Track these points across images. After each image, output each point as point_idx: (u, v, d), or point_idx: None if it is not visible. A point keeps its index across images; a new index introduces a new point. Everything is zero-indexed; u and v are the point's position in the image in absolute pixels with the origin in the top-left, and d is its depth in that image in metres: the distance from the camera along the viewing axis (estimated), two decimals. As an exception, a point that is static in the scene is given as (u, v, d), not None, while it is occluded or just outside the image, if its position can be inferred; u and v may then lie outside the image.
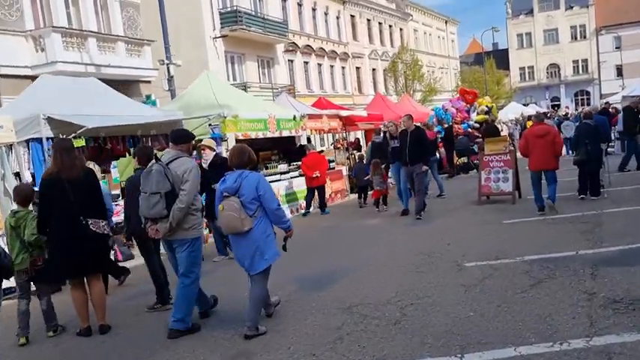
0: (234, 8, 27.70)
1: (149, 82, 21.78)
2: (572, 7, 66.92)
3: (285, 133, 13.50)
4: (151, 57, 21.43)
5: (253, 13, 29.38)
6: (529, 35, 69.78)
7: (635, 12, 62.02)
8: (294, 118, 13.75)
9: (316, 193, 13.62)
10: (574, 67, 67.54)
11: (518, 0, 70.60)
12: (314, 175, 13.61)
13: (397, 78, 44.19)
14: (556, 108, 55.38)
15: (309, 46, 36.28)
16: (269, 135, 12.71)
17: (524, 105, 49.36)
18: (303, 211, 13.77)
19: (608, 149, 21.33)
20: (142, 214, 5.31)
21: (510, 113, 38.63)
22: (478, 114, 21.60)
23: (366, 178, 14.13)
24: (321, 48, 37.76)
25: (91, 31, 19.00)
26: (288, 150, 15.12)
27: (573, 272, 5.92)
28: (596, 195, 10.81)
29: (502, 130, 25.10)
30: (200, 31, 26.26)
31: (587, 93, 65.87)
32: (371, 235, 9.77)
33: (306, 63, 36.42)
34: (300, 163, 14.43)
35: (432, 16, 58.62)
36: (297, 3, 35.80)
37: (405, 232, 9.61)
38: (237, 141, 12.07)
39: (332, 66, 39.69)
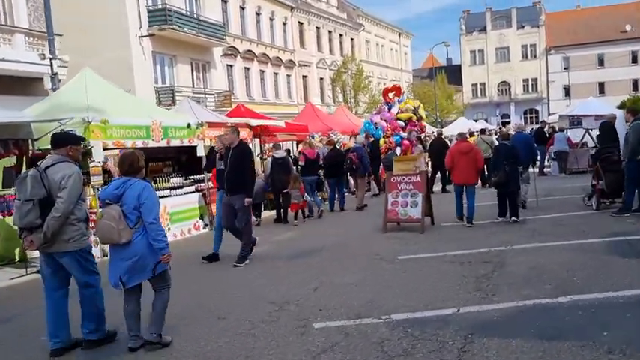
0: (164, 6, 25.84)
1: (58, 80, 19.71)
2: (523, 27, 67.41)
3: (175, 143, 11.80)
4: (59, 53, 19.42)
5: (187, 12, 27.57)
6: (482, 52, 69.96)
7: (583, 34, 63.05)
8: (189, 126, 12.08)
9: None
10: (524, 85, 67.97)
11: (472, 17, 70.97)
12: (221, 189, 12.19)
13: (345, 87, 42.99)
14: (506, 125, 55.29)
15: (250, 51, 34.61)
16: (152, 144, 10.97)
17: (474, 121, 49.01)
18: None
19: (545, 170, 20.59)
20: (15, 224, 4.97)
21: (459, 129, 37.89)
22: (402, 112, 20.20)
23: (285, 191, 12.94)
24: (264, 54, 36.17)
25: (-21, 20, 16.92)
26: (187, 161, 13.43)
27: (440, 345, 4.46)
28: (516, 216, 10.31)
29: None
30: (124, 29, 24.26)
31: (536, 111, 66.32)
32: (240, 269, 8.13)
33: (247, 69, 34.75)
34: (198, 176, 12.89)
35: (385, 27, 57.88)
36: (240, 6, 34.15)
37: (278, 267, 8.01)
38: (106, 149, 10.40)
39: (276, 73, 38.14)
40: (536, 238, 8.61)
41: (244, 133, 14.32)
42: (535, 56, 66.95)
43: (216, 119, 13.88)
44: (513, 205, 10.38)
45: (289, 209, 13.17)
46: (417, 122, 20.99)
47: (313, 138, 19.27)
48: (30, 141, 9.22)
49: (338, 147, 19.41)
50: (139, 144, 10.69)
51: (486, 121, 58.48)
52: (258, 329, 5.17)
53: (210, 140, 13.03)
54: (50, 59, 13.55)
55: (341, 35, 47.45)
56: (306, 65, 41.57)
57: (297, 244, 9.76)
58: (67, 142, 5.11)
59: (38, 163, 4.95)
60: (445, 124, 48.44)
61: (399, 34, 61.39)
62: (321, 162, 14.66)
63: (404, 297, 5.90)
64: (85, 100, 10.39)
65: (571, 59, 62.98)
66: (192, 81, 28.82)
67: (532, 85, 67.61)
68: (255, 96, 34.90)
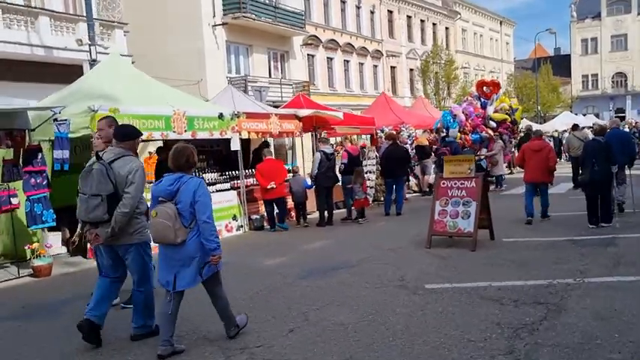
0: (239, -7, 25.02)
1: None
2: (644, 11, 60.74)
3: (204, 135, 10.58)
4: (126, 42, 19.13)
5: (264, 0, 26.60)
6: (594, 40, 63.86)
7: None
8: (221, 116, 10.86)
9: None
10: (643, 76, 61.29)
11: (585, 3, 64.94)
12: (269, 187, 11.11)
13: (437, 78, 40.43)
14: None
15: (333, 40, 33.19)
16: (173, 136, 9.78)
17: (583, 115, 44.51)
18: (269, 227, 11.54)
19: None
20: (80, 218, 4.94)
21: (560, 124, 34.19)
22: (497, 111, 17.88)
23: (349, 186, 11.75)
24: (349, 44, 34.60)
25: (43, 9, 16.71)
26: (225, 156, 12.31)
27: None
28: (608, 222, 9.37)
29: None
30: (196, 17, 23.72)
31: (657, 106, 59.59)
32: (233, 288, 6.72)
33: (330, 59, 33.39)
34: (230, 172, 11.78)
35: (485, 15, 54.17)
36: (323, -6, 32.86)
37: (274, 289, 6.48)
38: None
39: (361, 64, 36.46)
40: (621, 269, 6.48)
41: (292, 125, 12.96)
42: (658, 44, 60.12)
43: (259, 109, 12.56)
44: (604, 209, 9.41)
45: (352, 206, 11.91)
46: (510, 125, 18.63)
47: (382, 131, 17.59)
48: (27, 131, 8.36)
49: (409, 141, 17.65)
50: (157, 135, 9.63)
51: (597, 116, 53.21)
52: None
53: (249, 133, 11.79)
54: (89, 45, 12.86)
55: (434, 24, 44.81)
56: (394, 56, 39.55)
57: (319, 258, 8.21)
58: (136, 135, 5.10)
59: (101, 156, 4.87)
60: (548, 119, 44.47)
61: (500, 23, 57.36)
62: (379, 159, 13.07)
63: (399, 355, 4.21)
64: (101, 86, 9.47)
65: (700, 47, 55.83)
66: (269, 71, 27.91)
67: (653, 76, 60.80)
68: (338, 87, 33.56)
